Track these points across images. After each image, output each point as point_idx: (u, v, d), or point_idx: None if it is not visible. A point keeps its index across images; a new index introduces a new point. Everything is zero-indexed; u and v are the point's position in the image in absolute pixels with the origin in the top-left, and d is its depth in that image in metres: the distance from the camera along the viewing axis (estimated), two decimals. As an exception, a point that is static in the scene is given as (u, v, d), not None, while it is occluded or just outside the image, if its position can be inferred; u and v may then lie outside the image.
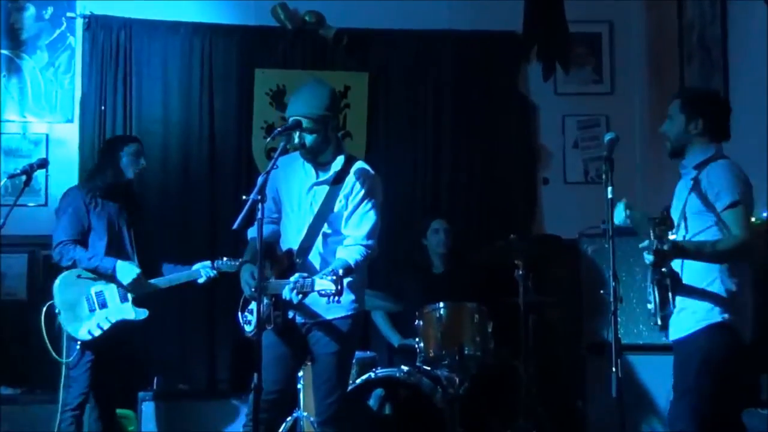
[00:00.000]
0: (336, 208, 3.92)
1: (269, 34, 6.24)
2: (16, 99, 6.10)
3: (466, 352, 5.02)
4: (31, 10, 6.13)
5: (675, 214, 3.71)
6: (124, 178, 4.74)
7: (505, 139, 6.39)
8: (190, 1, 6.28)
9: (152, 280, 4.69)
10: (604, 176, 3.46)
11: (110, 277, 4.59)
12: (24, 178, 4.46)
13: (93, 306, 4.58)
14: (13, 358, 4.53)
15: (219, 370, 5.99)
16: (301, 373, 5.29)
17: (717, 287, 3.57)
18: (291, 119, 3.88)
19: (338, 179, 3.96)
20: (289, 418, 5.23)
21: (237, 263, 4.42)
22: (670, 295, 3.51)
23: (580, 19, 6.10)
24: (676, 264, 3.56)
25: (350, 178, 3.95)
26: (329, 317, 3.90)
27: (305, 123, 3.84)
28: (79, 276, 4.59)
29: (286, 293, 3.69)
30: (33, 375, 4.71)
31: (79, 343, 4.52)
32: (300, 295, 3.67)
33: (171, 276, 4.75)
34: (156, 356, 5.80)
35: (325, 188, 3.96)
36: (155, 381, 5.57)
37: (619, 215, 3.78)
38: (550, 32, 5.86)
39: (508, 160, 6.38)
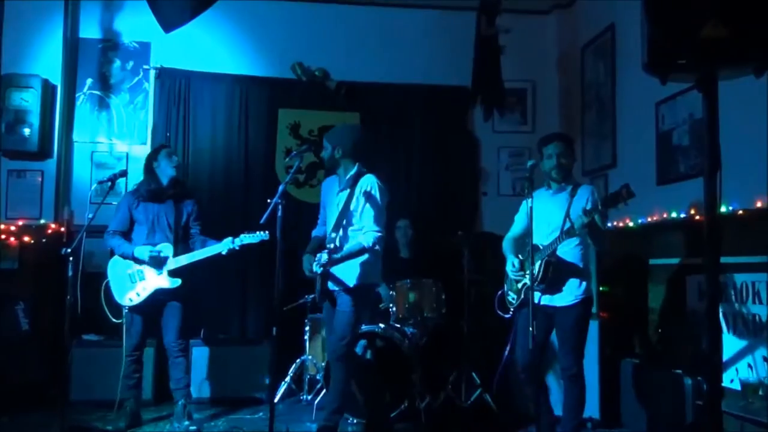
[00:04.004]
0: (351, 207, 3.98)
1: (289, 83, 6.19)
2: (105, 127, 6.04)
3: (425, 314, 5.04)
4: (117, 63, 6.08)
5: (554, 216, 3.78)
6: (162, 184, 4.59)
7: (456, 163, 6.37)
8: (232, 59, 6.23)
9: (180, 257, 4.50)
10: (526, 190, 3.50)
11: (133, 258, 4.48)
12: (109, 184, 4.49)
13: (134, 279, 4.50)
14: (98, 314, 4.46)
15: (249, 324, 5.95)
16: (307, 327, 5.28)
17: (584, 267, 3.80)
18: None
19: (352, 187, 4.01)
20: (297, 360, 5.23)
21: (255, 235, 4.38)
22: (550, 272, 3.65)
23: (512, 78, 6.09)
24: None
25: (359, 186, 3.99)
26: (351, 285, 3.94)
27: (324, 143, 4.11)
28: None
29: (315, 267, 3.88)
30: (111, 327, 4.66)
31: (126, 307, 4.49)
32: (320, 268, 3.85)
33: (195, 252, 4.52)
34: (202, 313, 5.75)
35: (345, 193, 4.02)
36: (202, 332, 5.52)
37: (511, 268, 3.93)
38: (490, 87, 5.87)
39: (459, 178, 6.37)
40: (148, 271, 4.50)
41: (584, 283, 3.77)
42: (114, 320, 4.48)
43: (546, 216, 3.76)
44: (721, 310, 3.87)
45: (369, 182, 3.99)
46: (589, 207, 3.58)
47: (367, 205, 3.94)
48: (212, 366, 5.32)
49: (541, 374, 3.88)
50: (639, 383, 4.41)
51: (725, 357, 3.83)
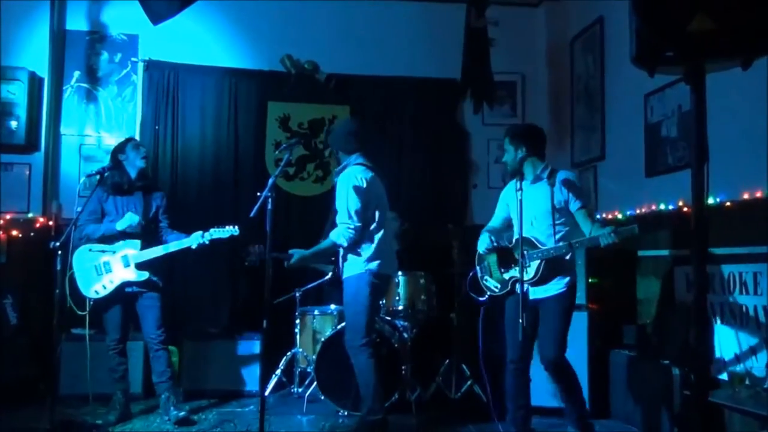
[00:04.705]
0: (336, 202, 4.06)
1: (278, 76, 6.16)
2: (93, 120, 5.99)
3: (416, 307, 5.04)
4: (105, 56, 6.03)
5: (534, 205, 3.68)
6: (129, 177, 4.54)
7: (446, 155, 6.36)
8: (221, 52, 6.19)
9: (146, 250, 4.45)
10: (517, 183, 3.49)
11: (117, 235, 4.43)
12: (98, 177, 4.40)
13: (100, 272, 4.45)
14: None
15: (239, 317, 5.91)
16: (297, 321, 5.28)
17: (569, 258, 3.71)
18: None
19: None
20: (288, 353, 5.22)
21: (225, 230, 4.44)
22: (546, 269, 3.62)
23: (502, 71, 6.10)
24: None
25: (340, 180, 4.06)
26: (344, 276, 4.11)
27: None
28: (90, 250, 4.47)
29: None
30: (100, 321, 4.65)
31: (91, 300, 4.43)
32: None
33: (162, 246, 4.49)
34: (191, 307, 5.76)
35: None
36: (191, 325, 5.51)
37: (483, 243, 3.84)
38: (480, 80, 5.88)
39: (449, 170, 6.37)
40: (115, 264, 4.46)
41: (569, 275, 3.73)
42: (78, 312, 4.41)
43: (525, 205, 3.64)
44: (708, 301, 3.90)
45: (344, 176, 4.04)
46: (566, 196, 3.62)
47: (342, 197, 3.98)
48: (202, 359, 5.30)
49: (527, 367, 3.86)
50: (628, 374, 4.43)
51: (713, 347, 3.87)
